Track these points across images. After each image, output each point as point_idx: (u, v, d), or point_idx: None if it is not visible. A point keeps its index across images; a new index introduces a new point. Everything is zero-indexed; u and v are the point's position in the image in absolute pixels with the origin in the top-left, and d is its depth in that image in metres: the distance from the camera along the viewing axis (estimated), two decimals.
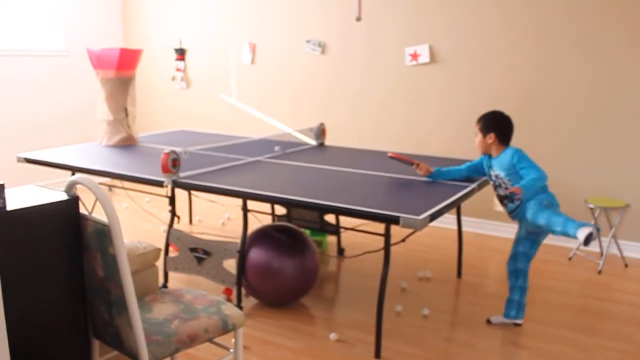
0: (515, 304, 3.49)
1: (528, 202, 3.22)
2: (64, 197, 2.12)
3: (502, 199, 3.40)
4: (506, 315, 3.52)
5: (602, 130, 4.73)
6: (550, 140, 4.91)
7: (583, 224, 2.95)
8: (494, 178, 3.41)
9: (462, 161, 4.19)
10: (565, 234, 3.02)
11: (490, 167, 3.42)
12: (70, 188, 2.15)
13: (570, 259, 4.68)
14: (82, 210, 2.18)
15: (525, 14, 4.88)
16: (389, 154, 3.76)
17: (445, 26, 5.23)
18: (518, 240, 3.45)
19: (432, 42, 5.32)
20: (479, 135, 3.40)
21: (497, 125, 3.35)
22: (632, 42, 4.53)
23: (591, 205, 4.52)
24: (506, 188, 3.32)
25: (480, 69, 5.14)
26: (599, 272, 4.42)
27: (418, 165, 3.65)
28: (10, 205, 1.97)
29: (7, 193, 2.14)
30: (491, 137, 3.34)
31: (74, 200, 2.13)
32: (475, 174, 3.61)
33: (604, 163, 4.76)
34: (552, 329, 3.51)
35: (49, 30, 6.49)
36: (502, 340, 3.35)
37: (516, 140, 5.01)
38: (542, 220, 3.11)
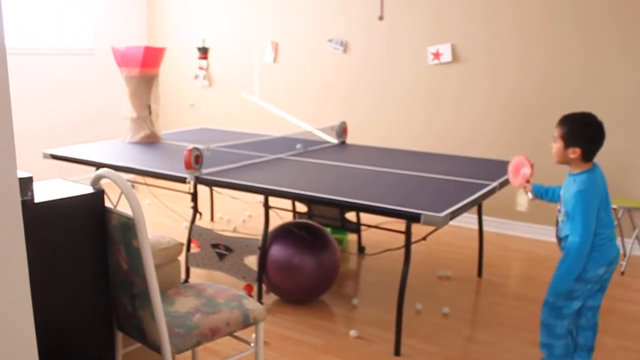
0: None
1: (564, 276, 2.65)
2: (89, 190, 2.16)
3: (557, 237, 2.84)
4: None
5: (625, 128, 4.68)
6: None
7: None
8: (560, 197, 2.80)
9: (493, 161, 4.17)
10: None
11: (562, 190, 2.79)
12: (96, 181, 2.18)
13: None
14: (107, 203, 2.22)
15: (545, 14, 4.84)
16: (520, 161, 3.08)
17: (468, 25, 5.21)
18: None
19: (454, 41, 5.30)
20: (559, 143, 2.69)
21: (587, 138, 2.63)
22: None
23: (614, 206, 4.48)
24: (557, 225, 2.78)
25: (501, 68, 5.11)
26: (622, 273, 4.38)
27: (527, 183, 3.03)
28: (38, 198, 2.01)
29: (35, 186, 2.18)
30: (575, 152, 2.63)
31: (99, 194, 2.16)
32: None
33: (627, 163, 4.71)
34: None
35: (74, 29, 6.58)
36: (522, 341, 3.34)
37: (533, 141, 4.98)
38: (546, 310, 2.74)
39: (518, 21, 4.99)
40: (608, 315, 3.68)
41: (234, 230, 5.16)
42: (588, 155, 2.65)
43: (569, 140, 2.65)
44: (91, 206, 2.14)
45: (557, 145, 2.71)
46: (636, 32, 4.55)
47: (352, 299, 3.80)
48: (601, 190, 2.67)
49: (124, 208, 2.14)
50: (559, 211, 2.78)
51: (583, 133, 2.65)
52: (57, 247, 2.05)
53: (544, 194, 2.99)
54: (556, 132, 2.72)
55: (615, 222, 4.57)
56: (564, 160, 2.71)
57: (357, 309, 3.72)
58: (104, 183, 2.26)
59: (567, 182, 2.74)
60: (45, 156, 4.26)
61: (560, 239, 2.78)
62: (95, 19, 6.71)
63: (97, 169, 4.01)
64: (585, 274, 2.66)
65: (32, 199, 1.98)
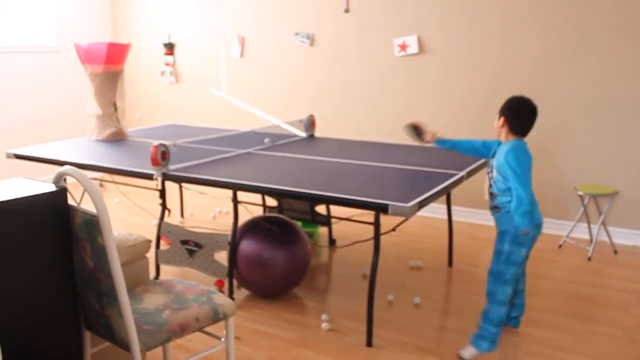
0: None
1: (499, 232, 3.01)
2: (52, 188, 2.12)
3: (488, 192, 3.15)
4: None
5: (592, 118, 4.75)
6: (540, 127, 4.93)
7: (486, 344, 2.98)
8: (490, 164, 3.12)
9: (447, 151, 4.18)
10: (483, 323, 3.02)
11: (495, 152, 3.10)
12: (58, 179, 2.15)
13: (560, 246, 4.71)
14: (70, 201, 2.18)
15: (516, 4, 4.89)
16: (409, 123, 3.50)
17: (434, 17, 5.24)
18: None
19: (420, 33, 5.33)
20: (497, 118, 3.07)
21: (510, 110, 2.99)
22: (624, 34, 4.55)
23: (580, 193, 4.55)
24: (490, 186, 3.08)
25: (470, 58, 5.15)
26: (589, 258, 4.45)
27: (424, 133, 3.44)
28: None
29: None
30: (502, 121, 3.01)
31: (62, 192, 2.13)
32: (484, 155, 3.23)
33: (594, 150, 4.78)
34: (543, 315, 3.54)
35: (39, 27, 6.46)
36: None
37: None
38: (490, 276, 3.02)
39: (487, 12, 5.02)
40: (575, 300, 3.74)
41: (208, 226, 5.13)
42: (512, 126, 2.99)
43: (500, 111, 3.05)
44: (54, 204, 2.11)
45: (495, 120, 3.09)
46: (628, 23, 4.62)
47: (387, 295, 3.77)
48: (530, 159, 2.98)
49: (88, 206, 2.10)
50: (489, 176, 3.10)
51: (509, 106, 3.02)
52: (20, 247, 2.02)
53: (444, 143, 3.38)
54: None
55: (582, 209, 4.65)
56: (498, 132, 3.08)
57: (328, 301, 3.73)
58: (69, 182, 2.23)
59: (498, 150, 3.05)
60: (9, 156, 4.18)
61: (492, 201, 3.08)
62: (59, 16, 6.59)
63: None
64: (523, 238, 2.95)
65: None
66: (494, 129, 3.12)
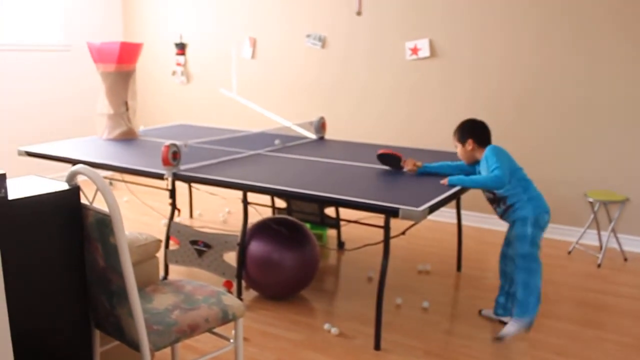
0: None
1: (519, 219, 3.20)
2: (65, 187, 2.13)
3: (491, 202, 3.35)
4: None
5: (602, 124, 4.73)
6: (550, 134, 4.92)
7: (525, 318, 3.14)
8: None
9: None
10: (516, 303, 3.19)
11: (479, 172, 3.32)
12: (71, 178, 2.16)
13: (569, 252, 4.69)
14: (83, 200, 2.19)
15: (525, 8, 4.88)
16: (378, 152, 3.71)
17: (446, 20, 5.23)
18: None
19: (432, 37, 5.32)
20: (459, 147, 3.34)
21: (471, 131, 3.29)
22: (632, 39, 4.53)
23: (590, 199, 4.53)
24: (493, 192, 3.27)
25: (480, 63, 5.14)
26: (599, 265, 4.43)
27: (405, 162, 3.65)
28: (12, 195, 1.98)
29: (9, 183, 2.15)
30: (470, 144, 3.28)
31: (74, 190, 2.14)
32: (470, 172, 3.47)
33: (604, 157, 4.76)
34: (552, 321, 3.52)
35: (49, 25, 6.49)
36: None
37: (515, 135, 5.02)
38: (517, 260, 3.20)
39: (497, 15, 5.01)
40: (584, 307, 3.72)
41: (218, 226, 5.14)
42: (480, 141, 3.27)
43: (461, 139, 3.30)
44: (66, 203, 2.11)
45: (459, 150, 3.34)
46: (616, 29, 4.60)
47: (396, 299, 3.79)
48: (507, 153, 3.22)
49: (101, 205, 2.11)
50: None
51: (468, 129, 3.30)
52: (32, 245, 2.03)
53: (436, 168, 3.57)
54: (454, 142, 3.35)
55: (592, 215, 4.63)
56: (469, 156, 3.33)
57: (336, 304, 3.72)
58: (80, 180, 2.23)
59: (481, 165, 3.25)
60: (21, 153, 4.20)
61: (495, 206, 3.31)
62: (70, 15, 6.63)
63: (74, 166, 3.97)
64: (541, 220, 3.19)
65: (6, 196, 1.94)
66: (461, 157, 3.36)
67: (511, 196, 3.19)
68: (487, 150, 3.20)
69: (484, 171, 3.20)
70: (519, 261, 3.20)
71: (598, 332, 3.40)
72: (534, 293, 3.18)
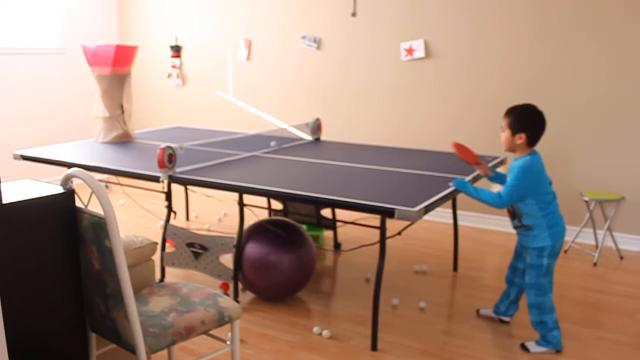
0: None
1: (536, 249, 3.07)
2: (59, 190, 2.13)
3: (508, 213, 3.20)
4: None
5: (598, 124, 4.74)
6: (546, 133, 4.89)
7: (555, 345, 3.11)
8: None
9: (453, 155, 4.19)
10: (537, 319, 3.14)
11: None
12: (66, 181, 2.15)
13: (566, 251, 4.70)
14: (78, 203, 2.19)
15: (520, 9, 4.89)
16: (453, 143, 3.28)
17: (441, 21, 5.24)
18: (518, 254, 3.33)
19: (427, 37, 5.33)
20: (507, 132, 3.01)
21: (530, 124, 2.97)
22: (627, 41, 4.54)
23: (586, 198, 4.54)
24: (511, 205, 3.13)
25: (475, 63, 5.15)
26: (595, 264, 4.44)
27: (479, 164, 3.30)
28: (6, 199, 1.98)
29: (3, 187, 2.15)
30: (521, 137, 2.98)
31: (69, 193, 2.14)
32: None
33: (599, 156, 4.77)
34: None
35: (45, 29, 6.49)
36: (498, 333, 3.37)
37: None
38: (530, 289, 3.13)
39: (492, 16, 5.02)
40: (581, 306, 3.73)
41: (208, 229, 5.13)
42: (532, 140, 3.00)
43: (515, 127, 2.99)
44: (61, 206, 2.11)
45: (505, 134, 3.04)
46: (614, 28, 4.61)
47: (392, 299, 3.79)
48: (540, 172, 3.01)
49: (96, 208, 2.11)
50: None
51: (527, 120, 2.98)
52: (27, 249, 2.02)
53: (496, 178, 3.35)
54: (503, 122, 3.05)
55: (588, 214, 4.64)
56: (512, 147, 3.05)
57: (333, 305, 3.72)
58: (76, 183, 2.23)
59: (511, 166, 3.05)
60: (16, 157, 4.20)
61: (518, 221, 3.12)
62: (65, 18, 6.62)
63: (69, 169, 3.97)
64: (556, 248, 3.07)
65: (0, 200, 1.94)
66: (503, 141, 3.08)
67: (527, 216, 3.05)
68: (519, 163, 2.98)
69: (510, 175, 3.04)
70: (530, 292, 3.12)
71: (595, 331, 3.40)
72: (552, 330, 3.11)
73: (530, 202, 3.02)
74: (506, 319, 3.46)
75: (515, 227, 3.17)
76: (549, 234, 3.04)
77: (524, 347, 3.17)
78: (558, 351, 3.14)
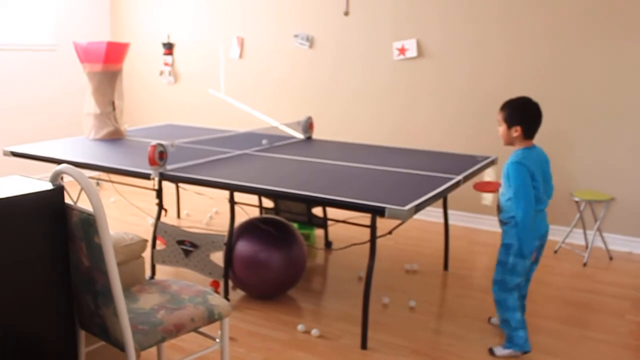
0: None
1: (504, 245, 3.05)
2: (49, 186, 2.12)
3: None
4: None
5: (589, 125, 4.76)
6: (538, 134, 4.92)
7: (520, 347, 3.06)
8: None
9: (456, 156, 4.20)
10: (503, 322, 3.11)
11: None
12: (55, 178, 2.14)
13: (555, 252, 4.72)
14: (67, 200, 2.18)
15: (516, 9, 4.90)
16: (475, 186, 3.35)
17: (434, 21, 5.24)
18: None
19: (420, 37, 5.33)
20: (503, 126, 3.01)
21: (525, 117, 2.96)
22: (622, 41, 4.56)
23: (577, 199, 4.56)
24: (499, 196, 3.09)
25: (469, 63, 5.16)
26: (584, 264, 4.46)
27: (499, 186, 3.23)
28: None
29: None
30: (517, 130, 2.96)
31: (59, 190, 2.12)
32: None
33: (590, 157, 4.79)
34: (538, 320, 3.54)
35: (36, 25, 6.45)
36: (488, 332, 3.38)
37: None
38: (496, 275, 3.10)
39: (483, 17, 5.03)
40: (570, 306, 3.74)
41: (211, 217, 5.12)
42: (528, 132, 2.98)
43: (510, 120, 2.98)
44: (50, 203, 2.10)
45: (502, 128, 3.03)
46: (610, 25, 4.63)
47: (383, 298, 3.78)
48: (537, 167, 2.97)
49: (86, 205, 2.10)
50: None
51: (522, 112, 2.97)
52: (16, 245, 2.01)
53: None
54: (499, 117, 3.04)
55: (578, 215, 4.66)
56: (509, 141, 3.03)
57: (323, 303, 3.73)
58: (66, 181, 2.22)
59: (504, 169, 3.02)
60: (6, 153, 4.18)
61: (499, 214, 3.09)
62: (57, 14, 6.59)
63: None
64: (523, 250, 2.97)
65: None
66: (500, 135, 3.06)
67: (505, 212, 3.03)
68: (510, 160, 2.95)
69: (504, 168, 2.99)
70: (494, 287, 3.12)
71: (584, 331, 3.42)
72: (516, 329, 3.06)
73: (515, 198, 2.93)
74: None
75: (499, 220, 3.13)
76: (516, 232, 2.97)
77: (491, 352, 3.13)
78: (525, 352, 3.10)
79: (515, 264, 3.02)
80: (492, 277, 3.14)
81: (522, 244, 2.96)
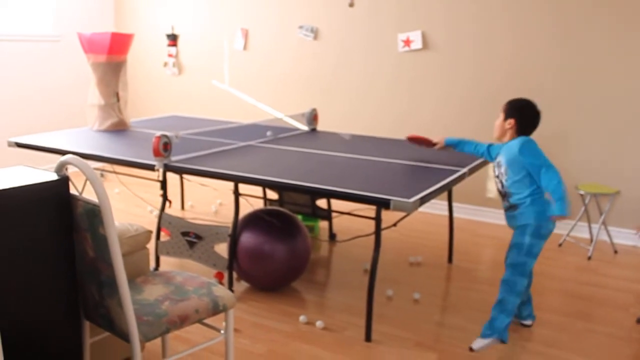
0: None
1: (519, 227, 3.07)
2: (54, 177, 2.12)
3: (499, 194, 3.19)
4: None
5: (595, 118, 4.74)
6: (543, 126, 4.92)
7: (500, 334, 3.07)
8: (496, 165, 3.18)
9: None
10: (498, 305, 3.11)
11: (498, 153, 3.19)
12: (60, 168, 2.14)
13: (560, 245, 4.71)
14: (72, 191, 2.18)
15: (521, 2, 4.87)
16: (408, 136, 3.78)
17: (439, 12, 5.22)
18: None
19: (425, 29, 5.31)
20: (500, 117, 3.15)
21: (520, 113, 3.09)
22: (626, 37, 4.54)
23: (582, 192, 4.54)
24: (502, 186, 3.12)
25: (475, 55, 5.14)
26: (589, 258, 4.45)
27: (434, 144, 3.68)
28: (0, 185, 1.97)
29: None
30: (510, 123, 3.09)
31: (64, 180, 2.12)
32: (487, 157, 3.39)
33: (595, 150, 4.78)
34: (542, 313, 3.53)
35: (40, 15, 6.44)
36: None
37: None
38: (509, 259, 3.11)
39: (488, 9, 5.01)
40: (574, 299, 3.74)
41: (217, 208, 5.13)
42: (521, 127, 3.09)
43: (507, 113, 3.12)
44: (56, 193, 2.10)
45: (498, 120, 3.17)
46: (616, 19, 4.61)
47: (387, 290, 3.78)
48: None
49: (90, 195, 2.09)
50: (497, 177, 3.17)
51: (519, 109, 3.11)
52: (20, 236, 2.01)
53: (456, 144, 3.54)
54: (501, 108, 3.18)
55: (583, 208, 4.65)
56: (502, 132, 3.16)
57: (328, 295, 3.73)
58: (71, 171, 2.22)
59: (504, 148, 3.13)
60: (10, 144, 4.17)
61: (507, 201, 3.13)
62: (61, 5, 6.57)
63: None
64: (543, 229, 3.04)
65: None
66: (495, 127, 3.19)
67: (515, 194, 3.06)
68: (524, 141, 3.03)
69: (505, 156, 3.07)
70: (507, 270, 3.09)
71: (588, 324, 3.42)
72: (508, 314, 3.08)
73: (525, 179, 3.03)
74: (527, 322, 3.37)
75: (505, 210, 3.16)
76: (534, 212, 3.01)
77: (470, 349, 3.11)
78: (502, 342, 3.11)
79: (532, 244, 3.04)
80: (505, 263, 3.12)
81: (541, 222, 3.01)
